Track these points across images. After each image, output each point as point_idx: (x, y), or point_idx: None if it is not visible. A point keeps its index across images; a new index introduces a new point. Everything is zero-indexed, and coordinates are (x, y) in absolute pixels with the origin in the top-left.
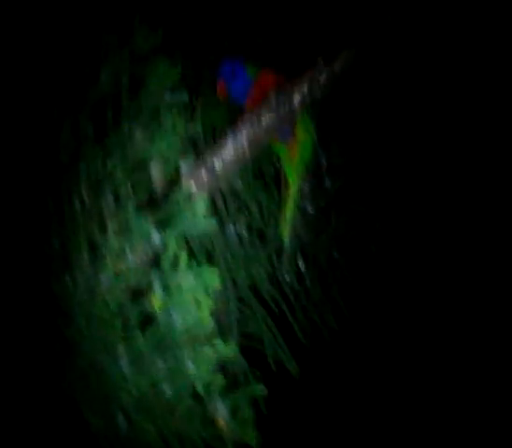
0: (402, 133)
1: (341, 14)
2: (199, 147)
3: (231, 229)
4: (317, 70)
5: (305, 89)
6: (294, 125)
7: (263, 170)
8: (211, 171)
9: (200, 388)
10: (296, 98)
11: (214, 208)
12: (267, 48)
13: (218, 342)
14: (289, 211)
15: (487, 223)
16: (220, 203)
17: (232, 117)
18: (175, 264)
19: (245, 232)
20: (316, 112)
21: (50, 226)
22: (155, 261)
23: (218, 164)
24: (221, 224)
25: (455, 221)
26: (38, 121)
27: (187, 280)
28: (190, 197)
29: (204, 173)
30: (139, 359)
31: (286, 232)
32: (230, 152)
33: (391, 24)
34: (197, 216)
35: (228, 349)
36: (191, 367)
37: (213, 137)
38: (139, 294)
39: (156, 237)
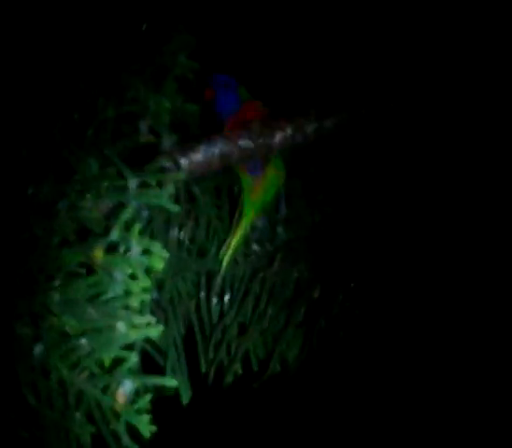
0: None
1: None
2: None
3: (175, 230)
4: (307, 119)
5: (289, 132)
6: (267, 163)
7: (221, 189)
8: (175, 164)
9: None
10: (278, 137)
11: None
12: (269, 83)
13: (144, 318)
14: (235, 240)
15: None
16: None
17: (208, 127)
18: (127, 228)
19: (186, 239)
20: (291, 158)
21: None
22: (111, 215)
23: (184, 163)
24: (167, 221)
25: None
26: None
27: (135, 248)
28: (164, 171)
29: (167, 163)
30: (72, 303)
31: (225, 259)
32: (198, 158)
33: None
34: (163, 194)
35: (152, 330)
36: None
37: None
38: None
39: (121, 193)
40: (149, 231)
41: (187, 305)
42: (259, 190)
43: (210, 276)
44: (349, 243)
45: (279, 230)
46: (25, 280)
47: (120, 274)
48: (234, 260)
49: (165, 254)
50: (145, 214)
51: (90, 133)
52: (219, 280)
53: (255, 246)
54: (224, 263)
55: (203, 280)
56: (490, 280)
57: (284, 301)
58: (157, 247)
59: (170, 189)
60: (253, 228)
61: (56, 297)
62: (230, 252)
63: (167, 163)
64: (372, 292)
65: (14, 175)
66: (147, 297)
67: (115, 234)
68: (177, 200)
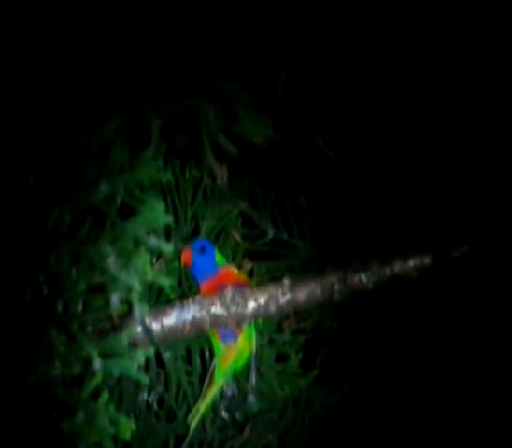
0: None
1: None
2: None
3: (144, 394)
4: (280, 289)
5: (262, 302)
6: (239, 331)
7: (192, 354)
8: (146, 331)
9: None
10: (250, 306)
11: None
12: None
13: None
14: (203, 406)
15: None
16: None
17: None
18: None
19: (155, 404)
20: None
21: None
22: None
23: (155, 328)
24: (136, 384)
25: None
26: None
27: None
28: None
29: (139, 329)
30: None
31: (193, 424)
32: (170, 322)
33: None
34: (132, 365)
35: None
36: None
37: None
38: None
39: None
40: (118, 393)
41: None
42: (230, 359)
43: (179, 441)
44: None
45: (251, 399)
46: None
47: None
48: (202, 427)
49: (132, 426)
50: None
51: (59, 308)
52: (186, 444)
53: (225, 414)
54: (191, 428)
55: (171, 444)
56: None
57: None
58: (124, 420)
59: (140, 359)
60: (223, 395)
61: None
62: (197, 417)
63: (138, 329)
64: None
65: None
66: None
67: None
68: (147, 364)
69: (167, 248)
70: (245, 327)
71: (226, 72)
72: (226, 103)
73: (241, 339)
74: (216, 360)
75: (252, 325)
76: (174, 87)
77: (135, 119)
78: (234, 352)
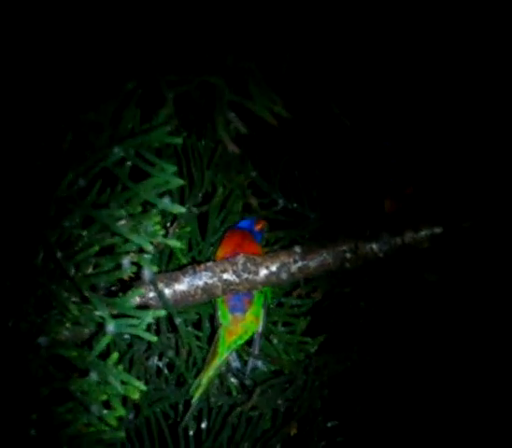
0: None
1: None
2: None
3: (155, 358)
4: (292, 256)
5: (273, 269)
6: (249, 303)
7: (201, 320)
8: (159, 295)
9: None
10: (262, 273)
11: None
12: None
13: None
14: (206, 377)
15: None
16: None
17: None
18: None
19: (165, 368)
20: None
21: None
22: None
23: (167, 292)
24: (147, 348)
25: None
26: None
27: (112, 375)
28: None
29: (151, 293)
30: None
31: (197, 394)
32: (182, 288)
33: None
34: (141, 324)
35: None
36: None
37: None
38: None
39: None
40: (129, 357)
41: (163, 431)
42: (236, 334)
43: (188, 405)
44: (330, 381)
45: (259, 364)
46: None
47: (95, 406)
48: (210, 392)
49: (143, 387)
50: (126, 339)
51: (71, 270)
52: (192, 411)
53: (233, 379)
54: (194, 400)
55: (180, 407)
56: None
57: (261, 434)
58: (133, 380)
59: (148, 319)
60: (227, 365)
61: (32, 431)
62: (200, 390)
63: (150, 293)
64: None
65: None
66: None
67: (94, 375)
68: (158, 328)
69: (179, 210)
70: (254, 301)
71: (239, 49)
72: (240, 79)
73: (249, 314)
74: (221, 332)
75: (261, 300)
76: (189, 61)
77: (147, 89)
78: (240, 326)
